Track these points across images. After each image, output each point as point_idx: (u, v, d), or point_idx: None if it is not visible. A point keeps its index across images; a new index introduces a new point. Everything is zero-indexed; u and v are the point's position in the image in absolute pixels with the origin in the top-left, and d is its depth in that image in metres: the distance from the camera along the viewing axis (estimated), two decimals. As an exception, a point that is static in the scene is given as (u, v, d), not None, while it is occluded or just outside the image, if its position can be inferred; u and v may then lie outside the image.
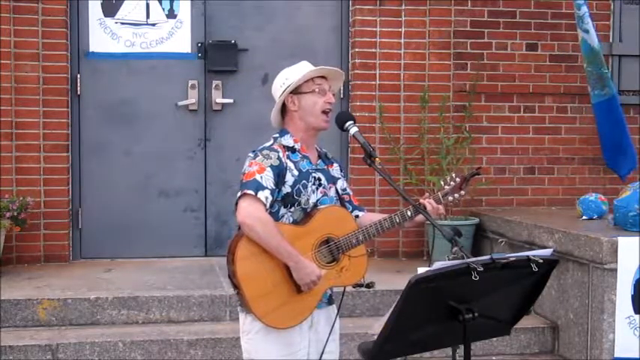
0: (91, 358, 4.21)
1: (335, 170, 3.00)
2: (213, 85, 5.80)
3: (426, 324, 2.35)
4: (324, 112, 2.86)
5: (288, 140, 2.85)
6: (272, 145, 2.83)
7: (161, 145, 5.81)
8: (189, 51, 5.83)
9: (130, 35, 5.77)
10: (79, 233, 5.73)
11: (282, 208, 2.79)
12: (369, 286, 2.92)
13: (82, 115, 5.71)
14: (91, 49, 5.72)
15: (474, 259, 2.26)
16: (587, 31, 5.46)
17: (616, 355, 4.14)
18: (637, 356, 4.13)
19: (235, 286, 2.74)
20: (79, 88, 5.68)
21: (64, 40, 5.55)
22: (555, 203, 6.09)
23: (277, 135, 2.89)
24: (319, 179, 2.87)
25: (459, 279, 2.24)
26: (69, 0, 5.61)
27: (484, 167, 5.99)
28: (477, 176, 3.00)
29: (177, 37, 5.82)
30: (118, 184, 5.76)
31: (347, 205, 3.01)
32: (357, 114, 5.57)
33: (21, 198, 5.23)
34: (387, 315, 2.27)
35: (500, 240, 5.26)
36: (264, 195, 2.69)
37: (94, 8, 5.71)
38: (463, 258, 2.36)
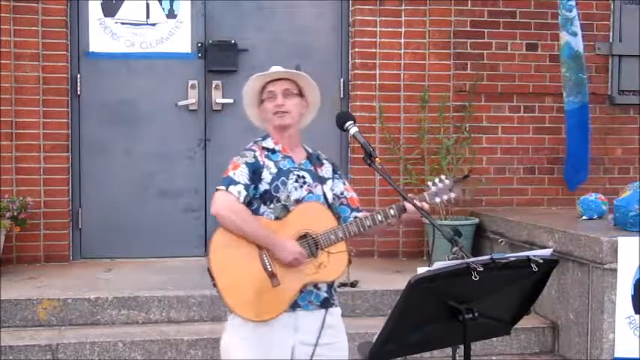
0: (91, 358, 4.21)
1: (325, 171, 2.98)
2: (213, 85, 5.80)
3: (426, 324, 2.35)
4: (276, 113, 2.89)
5: (268, 143, 2.92)
6: (251, 146, 2.91)
7: (161, 145, 5.81)
8: (189, 51, 5.83)
9: (130, 35, 5.77)
10: (79, 233, 5.73)
11: (262, 205, 2.80)
12: (353, 284, 2.90)
13: (82, 115, 5.71)
14: (91, 49, 5.73)
15: (473, 259, 2.26)
16: (575, 34, 5.44)
17: (616, 355, 4.14)
18: (637, 356, 4.13)
19: (212, 278, 2.74)
20: (79, 88, 5.68)
21: (64, 40, 5.55)
22: (555, 203, 6.09)
23: (259, 138, 2.95)
24: (303, 177, 2.87)
25: (459, 279, 2.24)
26: (69, 0, 5.61)
27: (484, 167, 6.00)
28: (467, 179, 2.97)
29: (177, 37, 5.82)
30: (118, 184, 5.76)
31: (344, 208, 2.98)
32: (357, 114, 5.57)
33: (21, 198, 5.23)
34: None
35: (500, 240, 5.26)
36: (237, 189, 2.74)
37: (94, 8, 5.71)
38: (463, 258, 2.36)
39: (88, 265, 5.52)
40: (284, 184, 2.82)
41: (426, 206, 2.82)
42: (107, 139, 5.75)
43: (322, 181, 2.93)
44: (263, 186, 2.80)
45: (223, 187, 2.74)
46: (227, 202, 2.72)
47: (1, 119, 5.41)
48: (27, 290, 4.68)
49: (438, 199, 2.85)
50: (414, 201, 2.80)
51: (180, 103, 5.81)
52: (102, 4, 5.73)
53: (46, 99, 5.49)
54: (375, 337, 2.31)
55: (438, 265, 2.24)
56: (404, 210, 2.80)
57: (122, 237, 5.75)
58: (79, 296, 4.56)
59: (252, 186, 2.77)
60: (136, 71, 5.79)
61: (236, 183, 2.75)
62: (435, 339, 2.45)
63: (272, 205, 2.80)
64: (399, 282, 4.51)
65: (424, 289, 2.22)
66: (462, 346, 2.37)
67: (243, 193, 2.74)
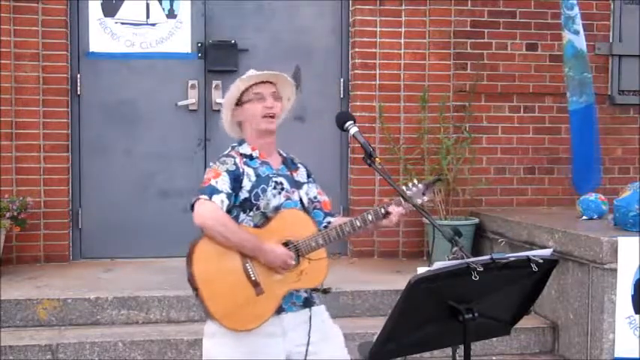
0: (91, 358, 4.21)
1: (300, 175, 2.97)
2: (213, 85, 5.80)
3: (426, 324, 2.35)
4: (265, 116, 2.85)
5: (245, 149, 2.87)
6: (229, 152, 2.87)
7: (161, 145, 5.81)
8: (189, 51, 5.83)
9: (130, 35, 5.77)
10: (79, 233, 5.73)
11: (242, 213, 2.78)
12: (325, 291, 2.87)
13: (82, 115, 5.71)
14: (91, 49, 5.73)
15: (473, 259, 2.26)
16: (577, 33, 5.41)
17: (616, 355, 4.14)
18: (637, 356, 4.13)
19: (194, 288, 2.70)
20: (79, 88, 5.68)
21: (64, 40, 5.55)
22: (555, 203, 6.09)
23: (236, 144, 2.91)
24: (281, 183, 2.85)
25: (459, 279, 2.24)
26: (69, 0, 5.61)
27: (484, 167, 6.00)
28: (437, 183, 2.98)
29: (177, 37, 5.82)
30: (118, 184, 5.77)
31: (318, 212, 2.97)
32: (357, 114, 5.57)
33: (21, 198, 5.22)
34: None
35: (500, 240, 5.26)
36: (220, 198, 2.69)
37: (94, 8, 5.71)
38: (463, 258, 2.36)
39: (88, 265, 5.52)
40: (264, 191, 2.79)
41: (402, 210, 2.81)
42: (107, 139, 5.75)
43: (298, 186, 2.92)
44: (243, 194, 2.77)
45: (206, 197, 2.68)
46: (211, 212, 2.66)
47: (1, 119, 5.41)
48: (27, 290, 4.68)
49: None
50: (394, 205, 2.79)
51: (180, 103, 5.81)
52: (102, 4, 5.73)
53: (46, 99, 5.49)
54: (375, 337, 2.31)
55: (438, 265, 2.24)
56: (383, 216, 2.79)
57: (122, 237, 5.75)
58: (79, 296, 4.56)
59: (234, 194, 2.74)
60: (136, 71, 5.79)
61: (219, 192, 2.70)
62: (435, 339, 2.45)
63: (251, 213, 2.78)
64: (399, 282, 4.51)
65: (424, 289, 2.23)
66: (462, 346, 2.37)
67: (226, 202, 2.70)
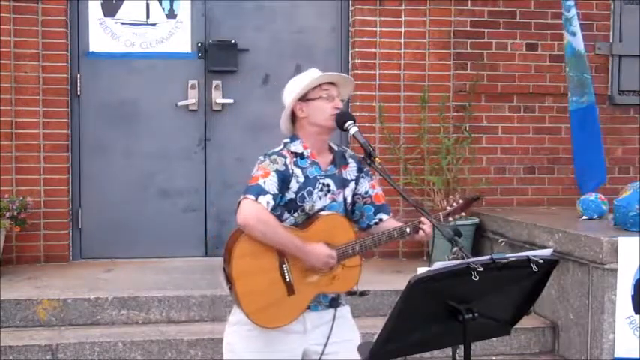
0: (91, 358, 4.21)
1: (349, 172, 2.97)
2: (213, 85, 5.80)
3: (426, 324, 2.35)
4: (333, 115, 2.88)
5: (297, 147, 2.87)
6: (281, 150, 2.86)
7: (161, 145, 5.81)
8: (189, 51, 5.83)
9: (130, 35, 5.77)
10: (79, 233, 5.73)
11: (286, 213, 2.80)
12: (363, 294, 2.92)
13: (82, 115, 5.71)
14: (91, 49, 5.73)
15: (474, 259, 2.26)
16: (574, 34, 5.40)
17: (616, 355, 4.14)
18: (637, 356, 4.13)
19: (229, 283, 2.76)
20: (79, 88, 5.68)
21: (64, 40, 5.55)
22: (555, 203, 6.09)
23: (287, 141, 2.90)
24: (328, 185, 2.87)
25: (458, 279, 2.24)
26: (69, 0, 5.61)
27: (484, 167, 6.00)
28: (477, 200, 3.08)
29: (177, 37, 5.82)
30: (118, 184, 5.77)
31: (369, 207, 2.99)
32: (357, 114, 5.57)
33: (21, 198, 5.23)
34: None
35: (500, 240, 5.26)
36: (266, 200, 2.70)
37: (94, 8, 5.72)
38: (463, 258, 2.36)
39: (88, 265, 5.52)
40: (310, 194, 2.81)
41: (428, 223, 2.86)
42: (107, 139, 5.75)
43: (345, 184, 2.94)
44: (289, 195, 2.79)
45: (252, 197, 2.70)
46: (255, 212, 2.68)
47: (1, 119, 5.41)
48: (27, 290, 4.68)
49: (451, 219, 2.93)
50: (421, 225, 2.85)
51: (180, 103, 5.81)
52: (102, 4, 5.73)
53: (46, 99, 5.49)
54: (375, 337, 2.31)
55: (438, 265, 2.23)
56: (417, 230, 2.86)
57: (122, 237, 5.75)
58: (79, 296, 4.56)
59: (280, 195, 2.76)
60: (136, 71, 5.79)
61: (265, 193, 2.71)
62: (435, 339, 2.44)
63: (295, 214, 2.81)
64: (399, 282, 4.51)
65: (424, 289, 2.22)
66: (462, 346, 2.37)
67: (272, 203, 2.72)
